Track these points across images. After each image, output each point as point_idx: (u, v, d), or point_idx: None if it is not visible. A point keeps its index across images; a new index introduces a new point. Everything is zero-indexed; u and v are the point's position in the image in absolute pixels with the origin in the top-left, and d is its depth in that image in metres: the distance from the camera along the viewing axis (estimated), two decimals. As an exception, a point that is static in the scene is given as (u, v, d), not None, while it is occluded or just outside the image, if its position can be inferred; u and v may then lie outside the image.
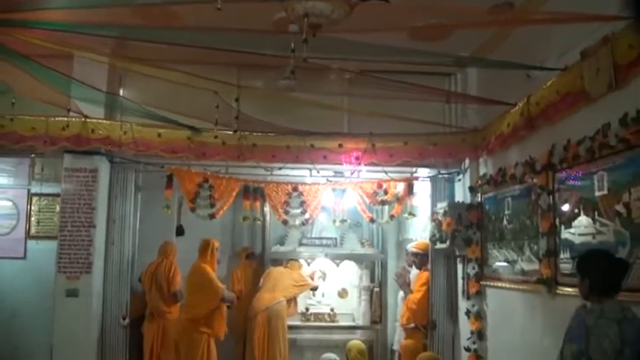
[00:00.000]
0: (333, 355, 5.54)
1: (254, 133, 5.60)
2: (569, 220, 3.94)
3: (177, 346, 6.12)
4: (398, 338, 6.63)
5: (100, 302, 5.87)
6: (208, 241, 6.36)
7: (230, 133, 5.50)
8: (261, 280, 7.03)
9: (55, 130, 5.48)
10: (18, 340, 6.84)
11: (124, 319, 5.93)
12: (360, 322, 7.42)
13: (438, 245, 5.86)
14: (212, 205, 5.94)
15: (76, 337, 5.58)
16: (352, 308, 7.54)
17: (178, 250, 6.72)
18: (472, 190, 5.62)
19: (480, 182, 5.49)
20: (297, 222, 6.26)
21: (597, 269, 2.98)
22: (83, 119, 5.51)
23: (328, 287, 7.59)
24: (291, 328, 7.14)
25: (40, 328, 6.32)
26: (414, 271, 6.56)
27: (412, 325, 6.19)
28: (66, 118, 5.48)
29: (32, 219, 7.28)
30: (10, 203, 7.29)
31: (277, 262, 7.40)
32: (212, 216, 5.98)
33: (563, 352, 3.02)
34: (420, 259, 6.30)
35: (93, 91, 5.07)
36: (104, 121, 5.62)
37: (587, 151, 3.71)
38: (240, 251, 7.61)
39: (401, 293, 6.74)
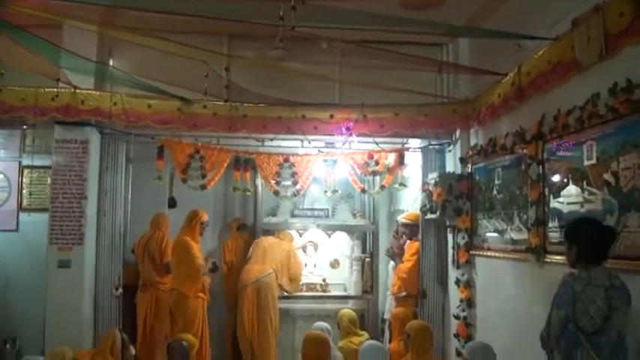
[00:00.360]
0: (324, 324, 5.63)
1: (245, 104, 5.55)
2: (558, 190, 3.97)
3: (172, 316, 6.19)
4: (389, 307, 6.69)
5: (93, 273, 5.88)
6: (196, 212, 6.43)
7: (221, 103, 5.49)
8: (250, 250, 7.05)
9: (45, 100, 5.43)
10: (11, 311, 6.87)
11: (117, 289, 5.95)
12: (351, 291, 7.47)
13: (429, 215, 5.88)
14: (203, 176, 5.92)
15: (69, 308, 5.60)
16: (344, 278, 7.59)
17: (171, 222, 6.74)
18: (462, 160, 5.63)
19: (470, 153, 5.49)
20: (289, 193, 6.25)
21: (585, 237, 3.02)
22: (73, 90, 5.44)
23: (320, 258, 7.62)
24: (283, 298, 7.19)
25: (33, 299, 6.32)
26: (407, 243, 6.57)
27: (403, 293, 6.26)
28: (55, 89, 5.42)
29: (24, 191, 7.26)
30: (1, 176, 7.28)
31: (269, 233, 7.41)
32: (203, 187, 5.95)
33: (551, 317, 3.05)
34: (411, 229, 6.34)
35: (82, 61, 5.02)
36: (94, 92, 5.55)
37: (576, 121, 3.72)
38: (231, 222, 7.60)
39: (392, 263, 6.81)
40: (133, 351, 5.04)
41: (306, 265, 7.51)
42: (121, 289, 5.99)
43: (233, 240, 7.43)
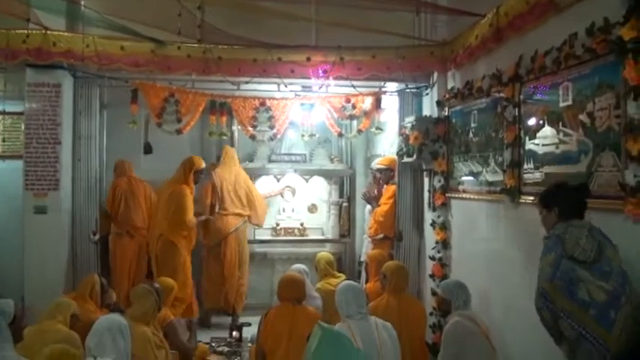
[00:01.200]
0: (302, 266, 5.68)
1: (219, 46, 5.42)
2: (533, 132, 3.98)
3: (157, 264, 6.21)
4: (365, 250, 6.77)
5: (70, 219, 5.85)
6: (191, 159, 6.42)
7: (195, 45, 5.37)
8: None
9: (16, 42, 5.27)
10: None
11: (94, 234, 5.92)
12: (329, 235, 7.55)
13: (405, 159, 5.89)
14: (179, 121, 5.82)
15: (47, 253, 5.60)
16: (321, 223, 7.65)
17: (147, 169, 6.78)
18: (439, 104, 5.61)
19: (447, 96, 5.46)
20: (266, 137, 6.22)
21: (566, 198, 3.08)
22: (44, 31, 5.28)
23: (298, 202, 7.65)
24: (261, 242, 7.33)
25: (10, 246, 6.30)
26: (385, 187, 6.61)
27: (380, 236, 6.33)
28: (26, 30, 5.26)
29: (-3, 138, 7.12)
30: (-27, 123, 7.10)
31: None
32: (179, 131, 5.87)
33: (540, 274, 2.96)
34: (385, 174, 6.37)
35: (53, 0, 4.87)
36: (66, 34, 5.39)
37: (553, 62, 3.69)
38: (209, 167, 7.48)
39: (368, 207, 6.87)
40: (113, 296, 5.06)
41: (284, 210, 7.52)
42: (98, 235, 5.97)
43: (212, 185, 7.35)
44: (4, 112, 6.99)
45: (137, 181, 6.64)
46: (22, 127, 5.95)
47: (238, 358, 5.24)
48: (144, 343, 3.97)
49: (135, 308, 4.12)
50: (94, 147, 5.97)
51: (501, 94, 4.37)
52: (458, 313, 4.13)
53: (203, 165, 6.48)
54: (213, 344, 5.54)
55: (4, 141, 7.10)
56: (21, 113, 6.29)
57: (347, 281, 4.51)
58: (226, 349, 5.43)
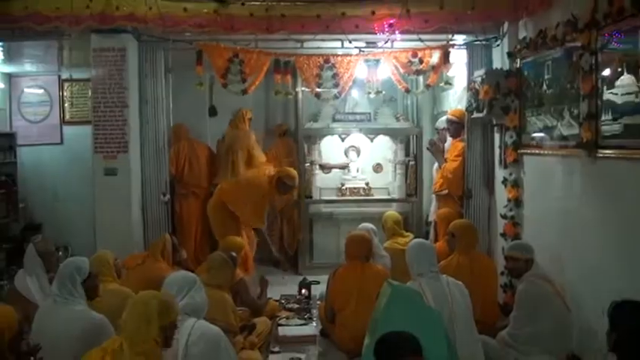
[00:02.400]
0: (370, 225, 5.77)
1: (282, 3, 5.45)
2: (611, 81, 3.84)
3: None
4: (433, 209, 6.75)
5: (139, 180, 6.08)
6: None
7: (257, 3, 5.40)
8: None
9: (79, 8, 5.41)
10: (62, 221, 7.24)
11: (164, 195, 6.14)
12: (395, 195, 7.54)
13: (475, 115, 5.80)
14: (243, 81, 5.90)
15: (118, 214, 5.83)
16: (387, 182, 7.64)
17: (212, 132, 7.08)
18: (510, 55, 5.47)
19: (518, 47, 5.32)
20: (330, 96, 6.23)
21: (629, 327, 2.63)
22: (106, -5, 5.43)
23: (363, 162, 7.65)
24: (327, 202, 7.43)
25: (82, 208, 6.65)
26: (447, 142, 6.60)
27: (445, 191, 6.32)
28: (89, -4, 5.41)
29: (65, 105, 7.46)
30: (41, 90, 7.49)
31: (311, 139, 7.50)
32: (244, 92, 5.96)
33: None
34: (455, 127, 6.29)
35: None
36: (128, -3, 5.53)
37: (632, 4, 3.53)
38: (275, 128, 7.71)
39: (435, 165, 6.80)
40: (184, 254, 5.26)
41: (348, 169, 7.56)
42: (168, 196, 6.18)
43: (277, 146, 7.58)
44: (71, 79, 7.33)
45: (198, 143, 6.99)
46: (89, 93, 6.19)
47: (308, 314, 5.37)
48: (224, 308, 4.12)
49: (212, 276, 4.23)
50: (160, 110, 6.15)
51: (577, 43, 4.23)
52: (532, 274, 4.12)
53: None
54: (283, 301, 5.70)
55: (72, 106, 7.40)
56: (87, 80, 6.59)
57: (418, 239, 4.55)
58: (296, 305, 5.59)
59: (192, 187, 6.78)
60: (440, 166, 6.52)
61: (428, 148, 6.80)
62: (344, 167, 7.50)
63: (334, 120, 7.49)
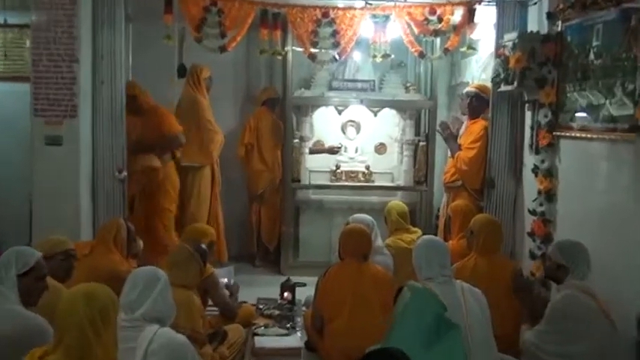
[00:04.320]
0: (367, 218, 5.67)
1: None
2: (677, 51, 3.75)
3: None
4: (444, 202, 6.74)
5: (90, 152, 5.93)
6: (194, 65, 6.88)
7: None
8: None
9: None
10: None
11: (120, 172, 6.00)
12: (400, 182, 7.50)
13: (503, 87, 5.72)
14: (223, 35, 5.83)
15: (62, 193, 5.68)
16: (392, 166, 7.60)
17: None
18: (550, 16, 5.36)
19: (561, 6, 5.20)
20: (328, 58, 6.17)
21: None
22: None
23: (363, 141, 7.60)
24: (317, 188, 7.42)
25: (14, 185, 6.58)
26: (466, 121, 6.58)
27: (458, 183, 6.34)
28: None
29: (-4, 56, 7.26)
30: (-34, 38, 7.27)
31: (301, 109, 7.44)
32: (223, 49, 5.90)
33: None
34: (479, 104, 6.24)
35: None
36: None
37: None
38: (260, 94, 7.67)
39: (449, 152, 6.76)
40: (140, 244, 5.15)
41: (345, 149, 7.52)
42: (125, 172, 6.06)
43: (257, 117, 7.55)
44: (4, 25, 7.13)
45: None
46: (28, 42, 6.00)
47: (290, 323, 5.31)
48: (191, 312, 4.03)
49: (176, 274, 4.09)
50: (118, 67, 5.98)
51: (636, 3, 4.12)
52: (572, 284, 4.04)
53: (208, 73, 7.02)
54: (261, 306, 5.64)
55: (5, 58, 7.23)
56: (26, 26, 6.42)
57: (427, 236, 4.48)
58: (276, 312, 5.52)
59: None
60: (452, 155, 6.49)
61: (439, 132, 6.77)
62: (335, 152, 7.48)
63: (330, 88, 7.42)
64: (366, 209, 6.82)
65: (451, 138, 6.58)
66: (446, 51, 6.13)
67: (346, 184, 7.39)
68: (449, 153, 6.76)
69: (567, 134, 5.13)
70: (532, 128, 5.63)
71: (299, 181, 7.35)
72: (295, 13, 5.89)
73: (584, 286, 3.99)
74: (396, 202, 6.37)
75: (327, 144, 7.47)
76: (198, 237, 5.04)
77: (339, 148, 7.46)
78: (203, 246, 4.66)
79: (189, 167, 6.91)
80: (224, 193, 7.30)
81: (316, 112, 7.50)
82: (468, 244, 4.99)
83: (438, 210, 7.13)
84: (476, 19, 5.84)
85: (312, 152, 7.48)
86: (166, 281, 3.32)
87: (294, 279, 5.96)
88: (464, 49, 5.97)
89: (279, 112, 7.63)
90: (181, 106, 6.99)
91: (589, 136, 4.78)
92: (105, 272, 4.15)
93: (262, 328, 5.12)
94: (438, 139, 7.15)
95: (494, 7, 5.95)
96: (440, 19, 5.83)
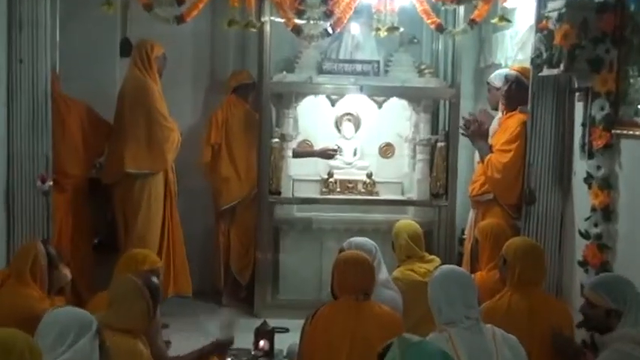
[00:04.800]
0: (369, 243, 5.58)
1: None
2: None
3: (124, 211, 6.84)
4: (471, 221, 6.70)
5: (4, 155, 5.92)
6: (143, 42, 6.86)
7: None
8: None
9: None
10: None
11: (43, 181, 5.97)
12: (413, 194, 7.53)
13: (546, 71, 5.70)
14: (179, 2, 5.88)
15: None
16: (401, 174, 7.67)
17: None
18: (608, -21, 5.38)
19: (622, -34, 5.23)
20: (317, 31, 6.17)
21: None
22: None
23: (364, 141, 7.66)
24: (304, 202, 7.44)
25: None
26: (495, 120, 6.57)
27: (488, 196, 6.31)
28: None
29: None
30: None
31: (282, 98, 7.45)
32: (180, 19, 5.97)
33: None
34: (519, 92, 6.21)
35: None
36: None
37: None
38: (229, 79, 7.73)
39: (477, 155, 6.77)
40: (68, 275, 5.09)
41: (341, 151, 7.56)
42: (50, 182, 6.05)
43: (226, 109, 7.63)
44: None
45: (71, 103, 6.83)
46: None
47: (268, 381, 5.29)
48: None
49: (116, 314, 4.04)
50: (42, 43, 5.97)
51: None
52: (625, 334, 4.00)
53: (161, 50, 6.94)
54: (229, 359, 5.56)
55: None
56: None
57: (447, 267, 4.47)
58: (250, 365, 5.51)
59: (56, 174, 6.54)
60: (481, 159, 6.45)
61: (462, 129, 6.74)
62: (329, 156, 7.51)
63: (321, 71, 7.45)
64: (368, 231, 6.87)
65: (479, 137, 6.53)
66: (472, 23, 6.18)
67: (342, 197, 7.42)
68: (477, 157, 6.76)
69: (630, 132, 5.10)
70: (584, 125, 5.61)
71: (279, 193, 7.32)
72: (275, -27, 5.91)
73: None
74: (407, 221, 6.34)
75: (317, 145, 7.55)
76: (136, 266, 4.98)
77: (335, 151, 7.50)
78: (155, 280, 4.60)
79: (136, 175, 6.86)
80: (182, 209, 7.29)
81: (302, 103, 7.51)
82: (500, 276, 4.95)
83: (463, 232, 7.15)
84: (511, -18, 5.86)
85: (296, 155, 7.49)
86: (90, 326, 3.25)
87: (273, 323, 5.87)
88: (495, 20, 6.02)
89: (254, 103, 7.65)
90: (125, 95, 6.93)
91: (660, 135, 4.79)
92: (18, 312, 4.13)
93: (231, 388, 5.08)
94: (462, 138, 7.13)
95: (535, -33, 5.96)
96: (464, -18, 5.85)
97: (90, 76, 6.90)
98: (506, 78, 6.38)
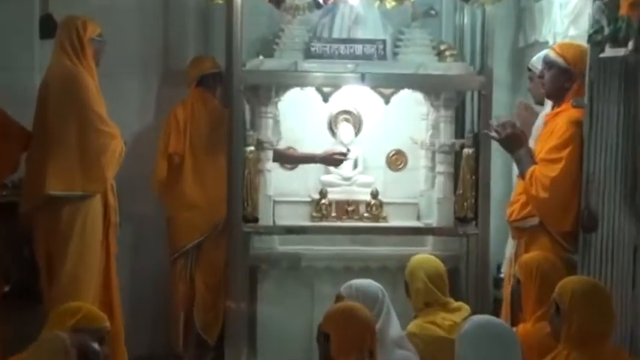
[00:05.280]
0: (374, 286, 5.59)
1: None
2: None
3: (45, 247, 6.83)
4: (510, 255, 6.70)
5: None
6: (72, 19, 6.87)
7: None
8: None
9: None
10: None
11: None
12: (432, 220, 7.50)
13: (608, 52, 5.65)
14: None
15: None
16: (415, 191, 7.68)
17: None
18: None
19: None
20: (303, 1, 6.31)
21: None
22: None
23: (368, 147, 7.69)
24: (290, 232, 7.39)
25: None
26: (540, 117, 6.51)
27: (533, 222, 6.18)
28: None
29: None
30: None
31: (259, 93, 7.38)
32: None
33: None
34: (566, 79, 6.13)
35: None
36: None
37: None
38: (190, 67, 7.82)
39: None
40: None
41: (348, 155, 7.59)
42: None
43: (188, 107, 7.77)
44: None
45: None
46: None
47: None
48: None
49: None
50: None
51: None
52: None
53: (98, 30, 6.95)
54: None
55: None
56: None
57: (479, 318, 4.48)
58: None
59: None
60: (522, 173, 6.33)
61: (496, 132, 6.54)
62: (338, 161, 7.51)
63: (309, 55, 7.44)
64: (373, 270, 7.01)
65: (517, 143, 6.40)
66: (506, -12, 6.09)
67: (338, 224, 7.44)
68: (515, 168, 6.64)
69: None
70: (663, 123, 5.60)
71: (256, 220, 7.23)
72: None
73: None
74: (425, 256, 6.29)
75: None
76: (71, 320, 4.90)
77: (345, 154, 7.51)
78: (95, 346, 4.57)
79: (64, 199, 6.85)
80: (125, 245, 7.37)
81: (285, 99, 7.44)
82: (552, 329, 4.87)
83: (499, 269, 7.27)
84: None
85: (279, 158, 7.50)
86: None
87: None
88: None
89: (224, 98, 7.68)
90: (49, 90, 6.95)
91: None
92: None
93: None
94: (496, 144, 7.04)
95: None
96: None
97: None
98: (545, 61, 6.31)
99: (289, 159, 7.51)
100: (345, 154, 7.47)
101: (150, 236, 7.75)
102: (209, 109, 7.70)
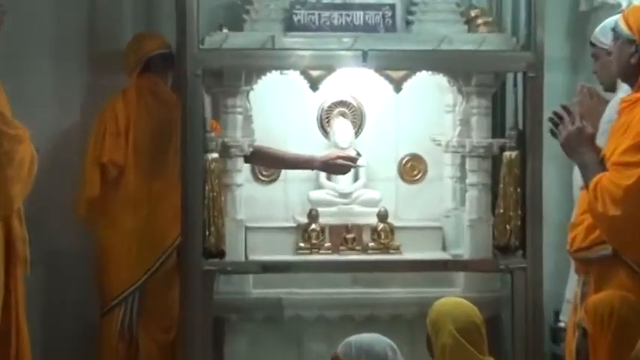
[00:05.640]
0: (383, 342, 5.18)
1: None
2: None
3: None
4: (571, 294, 6.35)
5: None
6: None
7: None
8: None
9: None
10: None
11: None
12: (461, 250, 7.12)
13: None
14: None
15: None
16: (439, 211, 7.40)
17: None
18: None
19: None
20: None
21: None
22: None
23: (372, 151, 7.42)
24: (268, 268, 7.07)
25: None
26: (617, 97, 6.01)
27: (604, 251, 5.70)
28: None
29: None
30: None
31: (223, 80, 7.04)
32: None
33: None
34: (627, 51, 5.66)
35: None
36: None
37: None
38: (130, 50, 7.82)
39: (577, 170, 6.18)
40: None
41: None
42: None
43: (132, 98, 7.76)
44: None
45: None
46: None
47: None
48: None
49: None
50: None
51: None
52: None
53: None
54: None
55: None
56: None
57: None
58: None
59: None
60: (586, 183, 5.83)
61: (553, 128, 6.01)
62: (345, 168, 7.35)
63: (291, 27, 7.10)
64: (382, 320, 6.90)
65: (580, 141, 5.87)
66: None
67: (334, 258, 7.23)
68: (577, 177, 6.18)
69: None
70: None
71: (221, 254, 6.85)
72: None
73: None
74: (454, 300, 5.81)
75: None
76: None
77: (355, 159, 7.35)
78: None
79: None
80: (38, 291, 7.13)
81: (259, 87, 7.16)
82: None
83: (558, 316, 7.08)
84: None
85: (252, 159, 7.22)
86: None
87: None
88: None
89: (176, 87, 7.61)
90: None
91: None
92: None
93: None
94: (550, 143, 6.49)
95: None
96: None
97: None
98: (614, 32, 5.84)
99: (273, 161, 7.31)
100: (354, 159, 7.24)
101: (73, 278, 7.47)
102: (160, 102, 7.65)
